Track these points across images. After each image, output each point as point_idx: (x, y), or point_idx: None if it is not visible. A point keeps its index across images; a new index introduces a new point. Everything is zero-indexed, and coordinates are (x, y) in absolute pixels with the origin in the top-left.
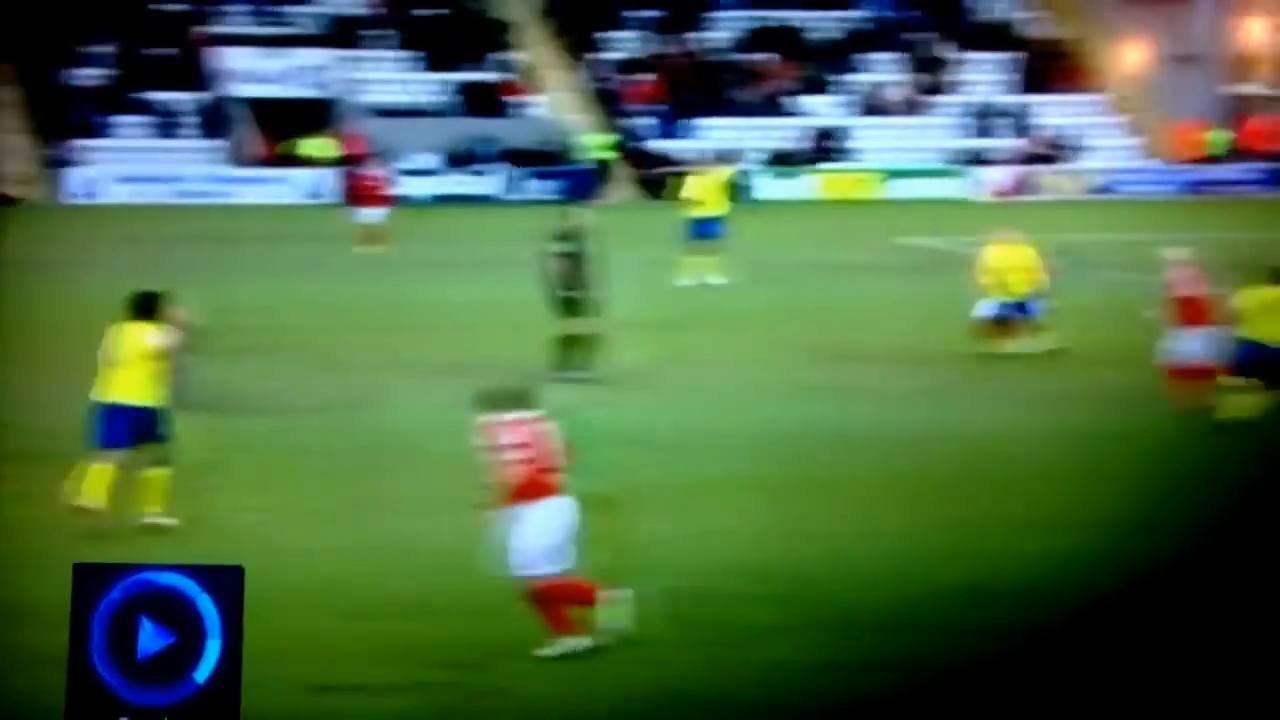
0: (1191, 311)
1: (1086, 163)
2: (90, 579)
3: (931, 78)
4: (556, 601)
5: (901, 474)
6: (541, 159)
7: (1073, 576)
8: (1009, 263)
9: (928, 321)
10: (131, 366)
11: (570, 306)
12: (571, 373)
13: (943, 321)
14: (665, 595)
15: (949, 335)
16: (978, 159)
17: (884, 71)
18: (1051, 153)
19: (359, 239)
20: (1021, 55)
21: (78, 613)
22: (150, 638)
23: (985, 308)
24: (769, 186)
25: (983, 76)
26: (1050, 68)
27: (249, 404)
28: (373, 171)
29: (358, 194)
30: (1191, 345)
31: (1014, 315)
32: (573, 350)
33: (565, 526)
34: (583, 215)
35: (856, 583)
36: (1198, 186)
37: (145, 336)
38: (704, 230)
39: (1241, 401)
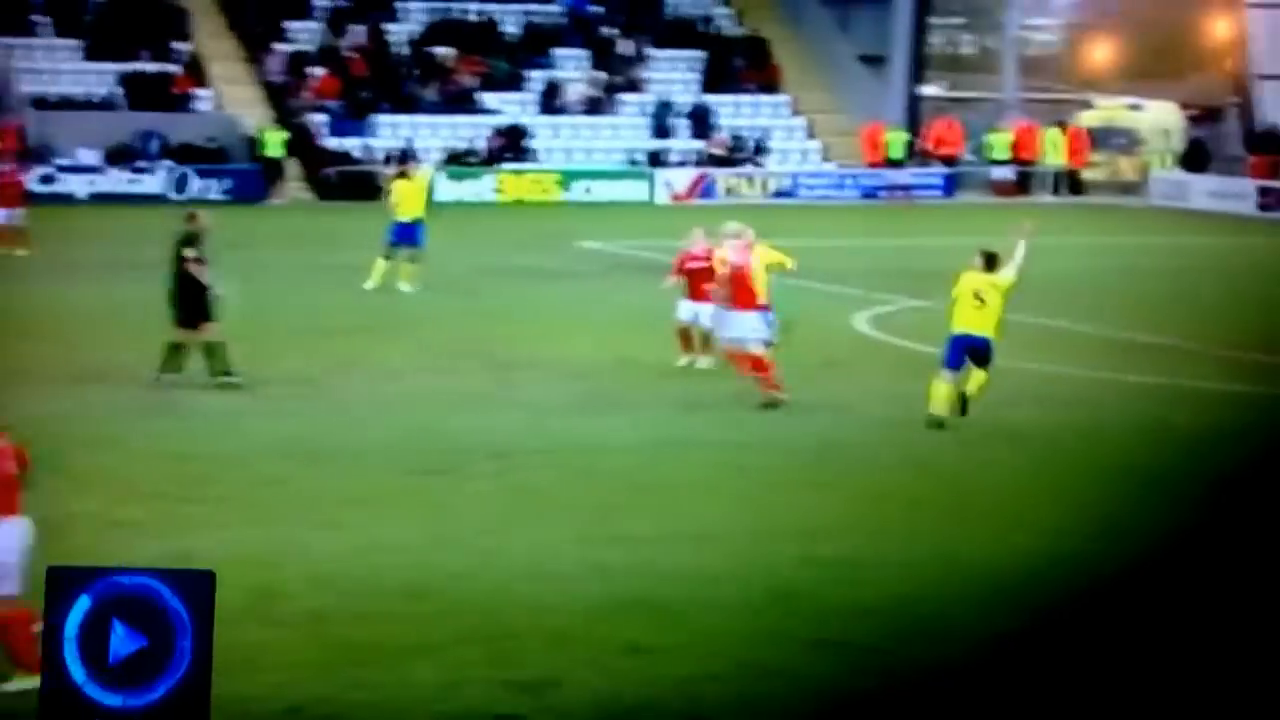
0: (742, 292)
1: (769, 166)
2: (63, 582)
3: (619, 76)
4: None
5: (556, 483)
6: (210, 156)
7: (705, 589)
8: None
9: (603, 329)
10: None
11: (191, 311)
12: (173, 376)
13: (618, 329)
14: (313, 617)
15: (623, 343)
16: (660, 160)
17: (571, 68)
18: (732, 155)
19: None
20: (706, 53)
21: (50, 614)
22: (122, 641)
23: (685, 310)
24: (447, 187)
25: (670, 75)
26: (736, 66)
27: None
28: (5, 168)
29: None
30: (739, 327)
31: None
32: (184, 356)
33: (14, 549)
34: (205, 217)
35: (517, 599)
36: (877, 191)
37: None
38: (404, 235)
39: (942, 394)
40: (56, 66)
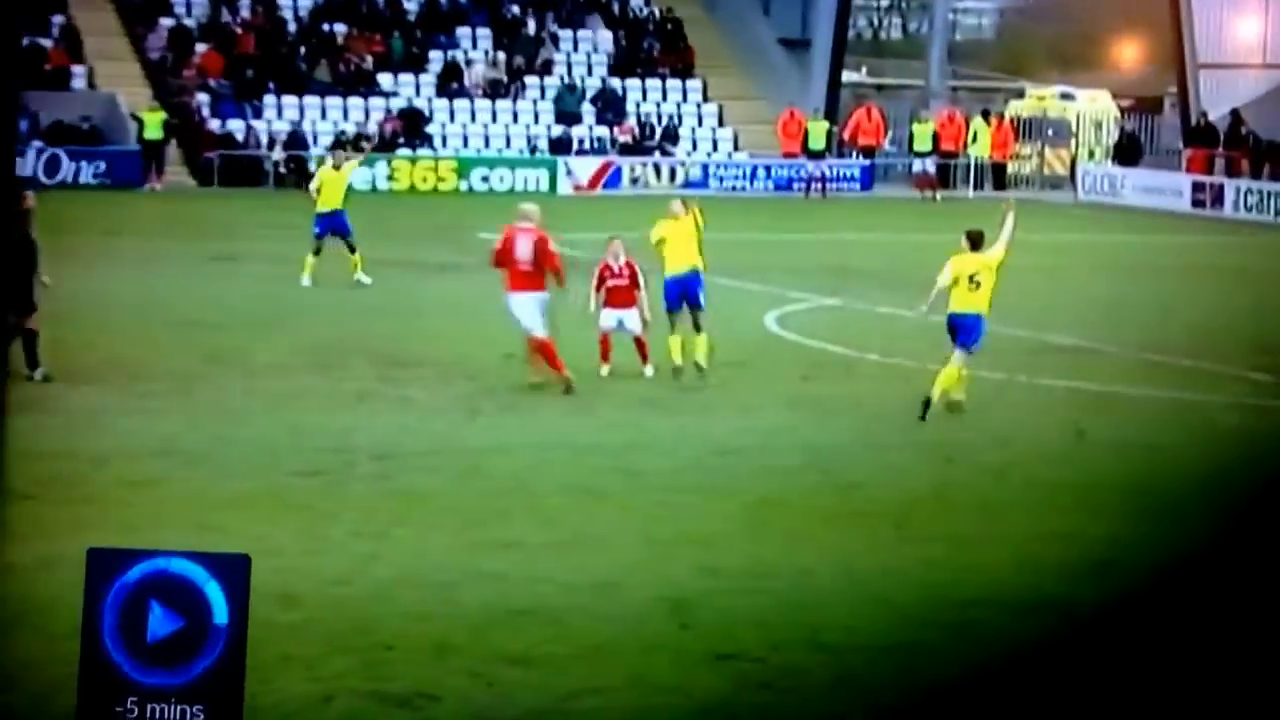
0: (521, 277)
1: (679, 154)
2: (103, 564)
3: (524, 56)
4: None
5: (440, 487)
6: (84, 137)
7: (593, 598)
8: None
9: (495, 326)
10: None
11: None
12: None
13: (510, 327)
14: None
15: (515, 341)
16: (564, 147)
17: (473, 48)
18: (640, 142)
19: None
20: (619, 33)
21: (90, 596)
22: (159, 622)
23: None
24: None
25: (579, 56)
26: (648, 49)
27: None
28: None
29: None
30: (524, 311)
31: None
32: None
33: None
34: (31, 199)
35: (396, 607)
36: (791, 183)
37: None
38: (330, 225)
39: (952, 377)
40: None
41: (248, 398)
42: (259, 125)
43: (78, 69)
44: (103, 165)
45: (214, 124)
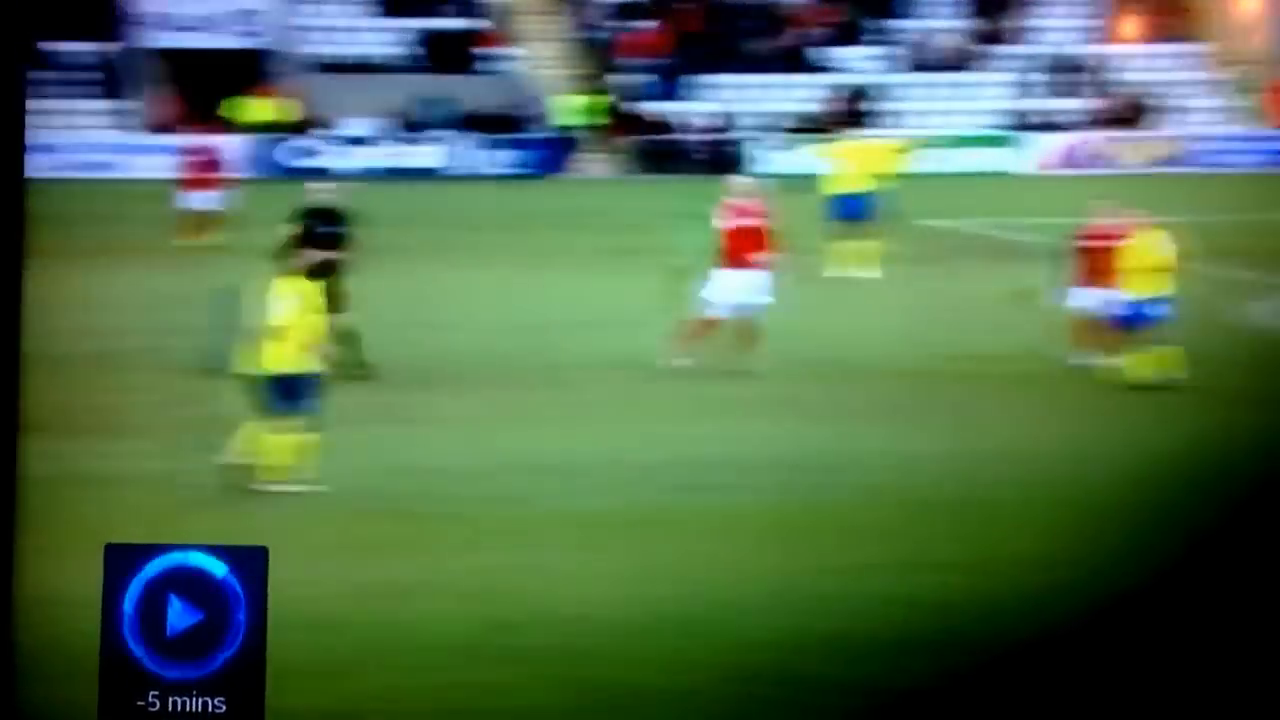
0: (741, 246)
1: (1164, 129)
2: (121, 558)
3: (991, 24)
4: None
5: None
6: (503, 125)
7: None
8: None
9: (939, 321)
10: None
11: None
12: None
13: (950, 320)
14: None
15: (958, 337)
16: (1038, 124)
17: (935, 18)
18: (1132, 116)
19: (184, 228)
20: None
21: (109, 590)
22: (179, 615)
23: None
24: (784, 158)
25: (1055, 23)
26: (1140, 12)
27: None
28: (205, 144)
29: (189, 173)
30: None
31: (1130, 318)
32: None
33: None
34: (333, 193)
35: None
36: None
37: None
38: (848, 209)
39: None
40: (345, 23)
41: (635, 405)
42: (692, 108)
43: (508, 52)
44: (521, 154)
45: (646, 107)
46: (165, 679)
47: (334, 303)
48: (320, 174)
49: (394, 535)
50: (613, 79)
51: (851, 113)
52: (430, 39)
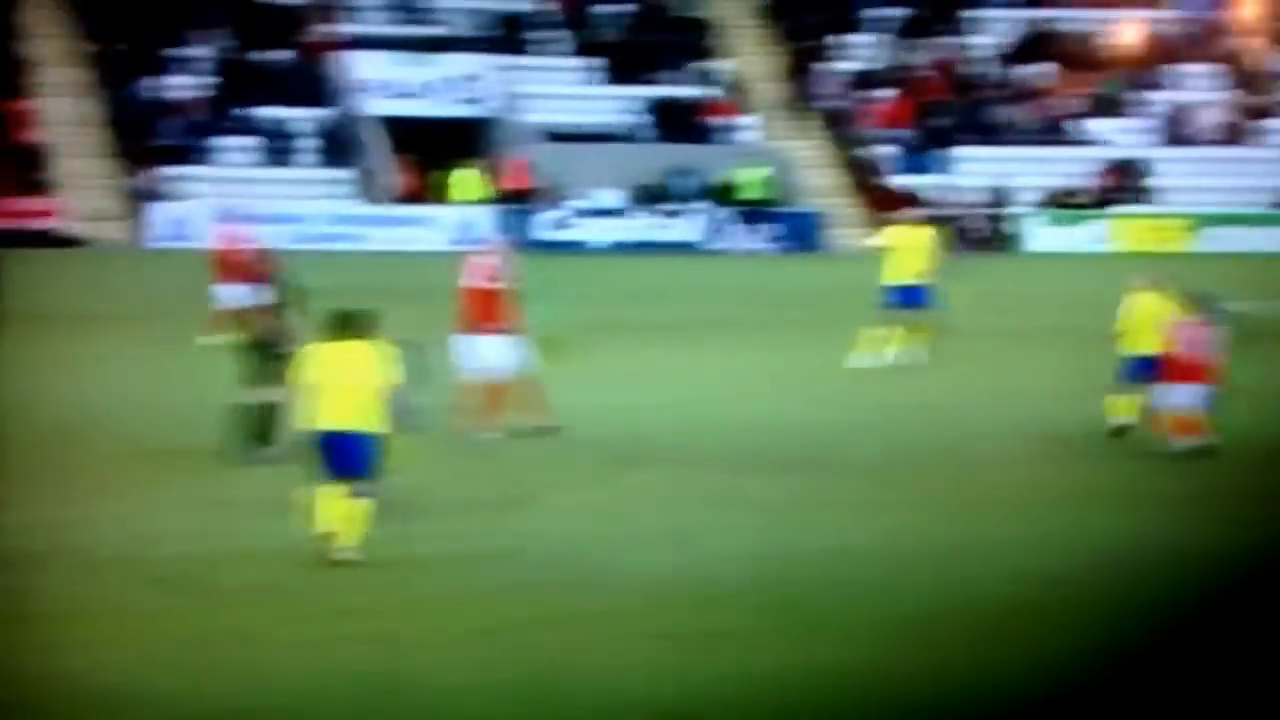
0: (480, 309)
1: None
2: None
3: (1264, 95)
4: None
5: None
6: (752, 197)
7: None
8: None
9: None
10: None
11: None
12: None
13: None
14: None
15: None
16: None
17: (1197, 88)
18: None
19: (210, 324)
20: None
21: None
22: None
23: None
24: (1045, 234)
25: None
26: None
27: None
28: (240, 231)
29: (221, 263)
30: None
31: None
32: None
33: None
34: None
35: None
36: None
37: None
38: (905, 298)
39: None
40: (571, 91)
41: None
42: (954, 181)
43: (744, 121)
44: (778, 228)
45: (899, 180)
46: None
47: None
48: (577, 248)
49: None
50: (859, 151)
51: (1112, 188)
52: (661, 107)
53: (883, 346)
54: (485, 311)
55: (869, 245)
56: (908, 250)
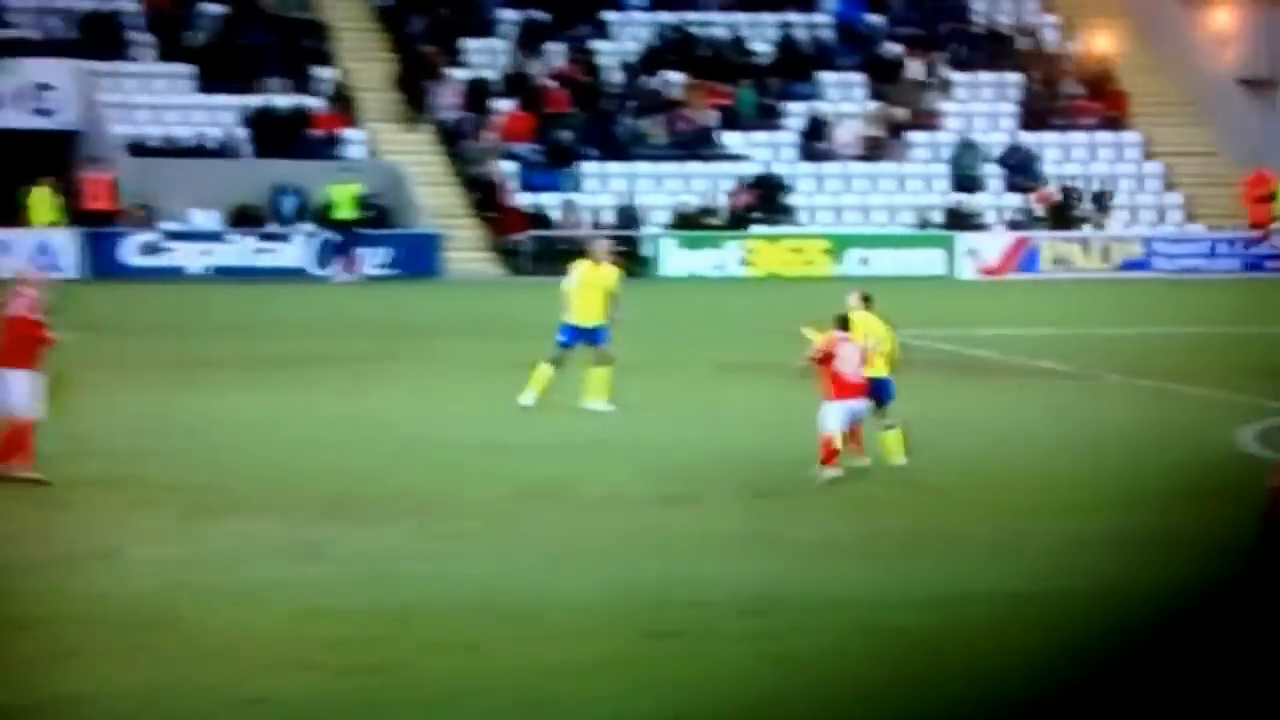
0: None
1: (1113, 228)
2: None
3: (906, 108)
4: None
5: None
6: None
7: None
8: None
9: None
10: None
11: None
12: None
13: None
14: None
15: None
16: (963, 221)
17: (841, 99)
18: (1063, 213)
19: None
20: (1030, 75)
21: None
22: None
23: None
24: (679, 258)
25: (976, 106)
26: (1067, 94)
27: None
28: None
29: None
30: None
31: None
32: None
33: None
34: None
35: None
36: (1263, 261)
37: None
38: (581, 336)
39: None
40: (159, 100)
41: (568, 540)
42: (578, 199)
43: (353, 134)
44: (390, 251)
45: (521, 198)
46: None
47: None
48: (173, 274)
49: None
50: (478, 168)
51: (755, 206)
52: (259, 118)
53: (545, 386)
54: (17, 346)
55: (563, 288)
56: (590, 288)
